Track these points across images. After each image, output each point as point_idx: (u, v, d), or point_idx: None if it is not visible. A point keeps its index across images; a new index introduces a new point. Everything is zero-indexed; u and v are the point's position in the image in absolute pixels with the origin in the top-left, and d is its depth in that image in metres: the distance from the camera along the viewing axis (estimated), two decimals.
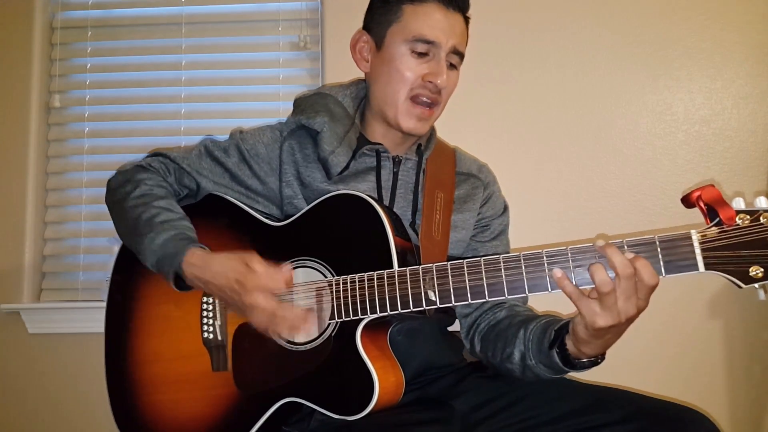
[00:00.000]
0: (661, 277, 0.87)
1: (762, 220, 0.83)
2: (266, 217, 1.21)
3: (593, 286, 0.88)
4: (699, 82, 1.85)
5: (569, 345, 1.00)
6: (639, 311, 0.90)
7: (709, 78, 1.84)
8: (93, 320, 1.82)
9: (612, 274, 0.87)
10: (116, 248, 1.28)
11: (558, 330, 1.03)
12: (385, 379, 1.03)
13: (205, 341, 1.16)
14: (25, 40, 2.00)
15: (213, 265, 1.08)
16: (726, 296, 1.79)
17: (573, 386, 1.13)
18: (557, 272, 0.90)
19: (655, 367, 1.80)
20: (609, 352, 1.82)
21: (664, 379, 1.78)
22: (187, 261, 1.09)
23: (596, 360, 1.00)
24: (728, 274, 0.85)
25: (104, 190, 1.30)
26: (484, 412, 1.12)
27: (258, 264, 1.05)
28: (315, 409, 1.06)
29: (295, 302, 1.12)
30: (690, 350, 1.80)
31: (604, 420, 1.02)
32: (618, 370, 1.79)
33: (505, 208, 1.38)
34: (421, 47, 1.17)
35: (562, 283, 0.89)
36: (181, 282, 1.12)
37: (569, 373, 1.06)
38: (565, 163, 1.85)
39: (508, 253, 1.32)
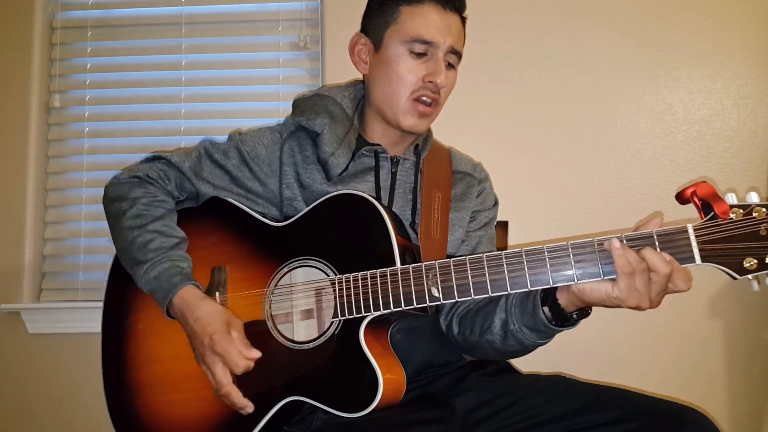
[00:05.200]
0: None
1: (755, 213, 0.86)
2: (267, 219, 1.22)
3: (598, 279, 0.92)
4: (699, 82, 1.85)
5: (563, 301, 1.00)
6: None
7: (709, 78, 1.85)
8: (93, 320, 1.78)
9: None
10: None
11: (545, 291, 1.03)
12: (388, 377, 1.03)
13: None
14: (25, 40, 2.00)
15: (199, 309, 1.11)
16: (726, 296, 1.79)
17: (573, 385, 1.13)
18: (615, 242, 0.90)
19: (655, 367, 1.80)
20: (608, 353, 1.83)
21: (664, 379, 1.78)
22: (180, 295, 1.13)
23: (586, 311, 1.02)
24: (724, 266, 0.87)
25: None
26: (485, 411, 1.12)
27: (236, 332, 1.09)
28: (317, 408, 1.06)
29: (297, 300, 1.12)
30: (690, 350, 1.80)
31: (603, 419, 1.01)
32: (618, 369, 1.80)
33: (495, 203, 1.39)
34: (418, 48, 1.18)
35: (617, 254, 0.90)
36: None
37: (554, 334, 1.06)
38: (565, 163, 1.85)
39: (492, 242, 1.33)
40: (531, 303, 1.05)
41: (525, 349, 1.13)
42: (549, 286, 0.96)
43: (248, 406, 1.09)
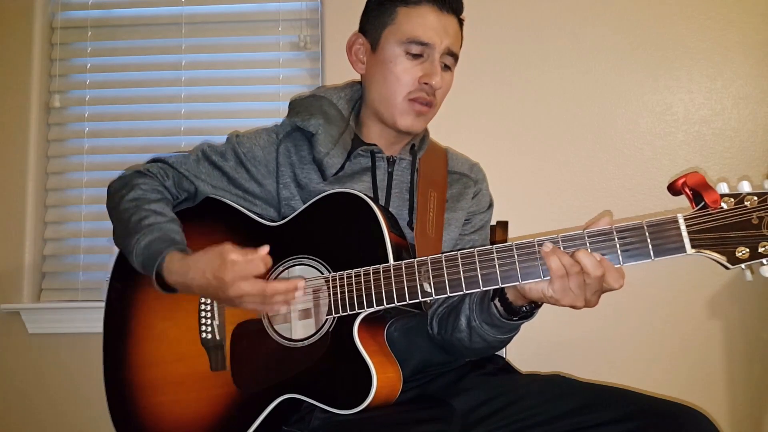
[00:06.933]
0: (650, 260, 0.89)
1: (746, 202, 0.85)
2: (263, 219, 1.22)
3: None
4: (699, 82, 1.85)
5: (510, 296, 1.03)
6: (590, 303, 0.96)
7: (709, 78, 1.85)
8: (93, 320, 1.81)
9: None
10: (116, 249, 1.28)
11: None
12: (382, 373, 1.03)
13: (204, 341, 1.16)
14: (25, 40, 2.01)
15: (189, 267, 1.07)
16: (726, 296, 1.79)
17: (572, 385, 1.13)
18: (548, 245, 0.92)
19: (655, 367, 1.80)
20: (608, 353, 1.83)
21: (664, 379, 1.78)
22: (167, 268, 1.09)
23: (537, 303, 1.03)
24: (715, 256, 0.86)
25: (104, 189, 1.30)
26: (484, 410, 1.11)
27: (233, 254, 1.03)
28: (314, 406, 1.06)
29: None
30: (690, 350, 1.80)
31: (603, 418, 1.01)
32: (618, 369, 1.80)
33: (490, 205, 1.39)
34: (415, 49, 1.18)
35: (550, 258, 0.91)
36: (164, 284, 1.12)
37: (515, 326, 1.08)
38: (565, 163, 1.85)
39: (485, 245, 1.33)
40: (486, 299, 1.07)
41: (489, 345, 1.13)
42: (498, 287, 0.97)
43: (299, 281, 1.05)
